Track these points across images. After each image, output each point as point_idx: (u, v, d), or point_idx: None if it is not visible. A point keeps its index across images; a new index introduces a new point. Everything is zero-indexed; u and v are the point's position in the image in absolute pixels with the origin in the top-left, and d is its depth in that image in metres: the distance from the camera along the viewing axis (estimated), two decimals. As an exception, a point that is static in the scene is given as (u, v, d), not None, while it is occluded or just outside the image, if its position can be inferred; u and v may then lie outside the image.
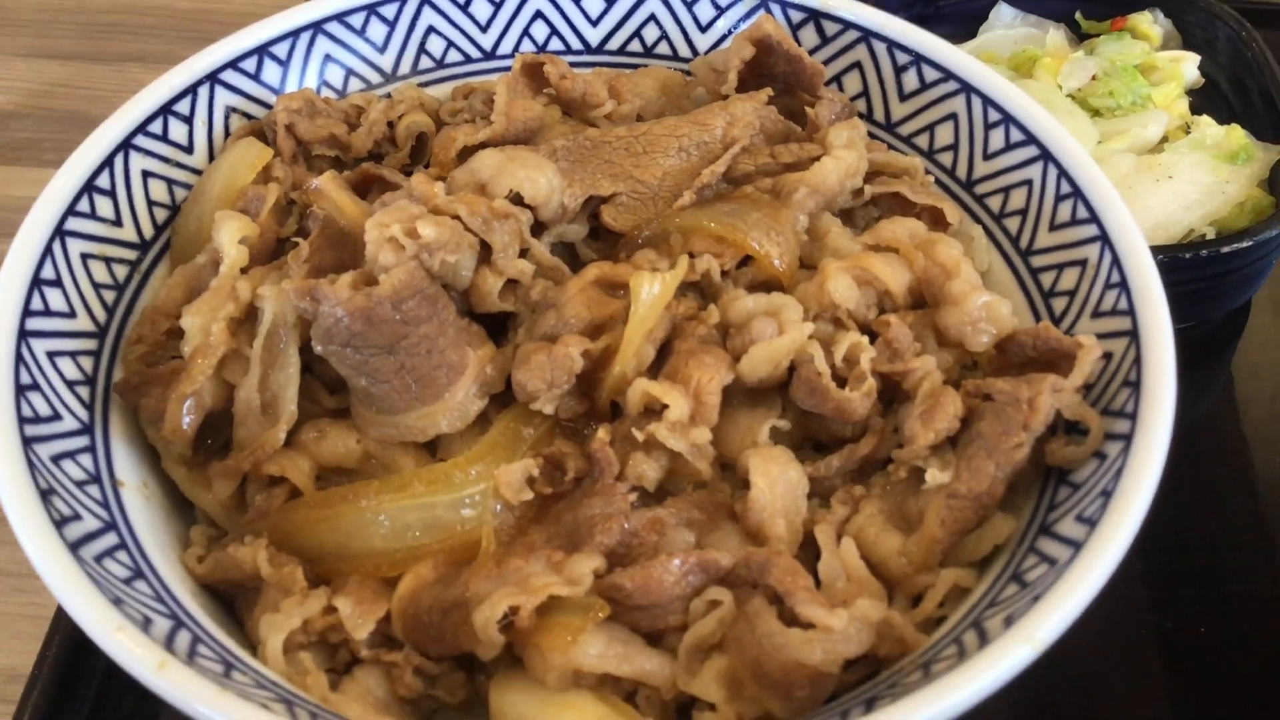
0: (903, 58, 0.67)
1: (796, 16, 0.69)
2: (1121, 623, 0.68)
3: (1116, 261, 0.56)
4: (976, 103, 0.64)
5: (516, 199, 0.54)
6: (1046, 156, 0.61)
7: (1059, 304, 0.59)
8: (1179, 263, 0.79)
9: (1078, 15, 1.00)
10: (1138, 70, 0.94)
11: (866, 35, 0.68)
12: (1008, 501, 0.52)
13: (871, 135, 0.68)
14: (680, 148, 0.60)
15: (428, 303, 0.50)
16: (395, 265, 0.50)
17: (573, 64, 0.71)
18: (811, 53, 0.69)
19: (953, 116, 0.66)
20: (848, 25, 0.68)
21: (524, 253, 0.54)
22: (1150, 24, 0.98)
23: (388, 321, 0.49)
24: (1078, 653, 0.62)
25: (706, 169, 0.58)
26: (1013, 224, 0.63)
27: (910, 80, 0.67)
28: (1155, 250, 0.79)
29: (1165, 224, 0.85)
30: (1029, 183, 0.62)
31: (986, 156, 0.64)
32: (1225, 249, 0.79)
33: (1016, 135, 0.63)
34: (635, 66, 0.72)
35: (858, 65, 0.69)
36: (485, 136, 0.61)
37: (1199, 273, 0.81)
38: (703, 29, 0.71)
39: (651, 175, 0.59)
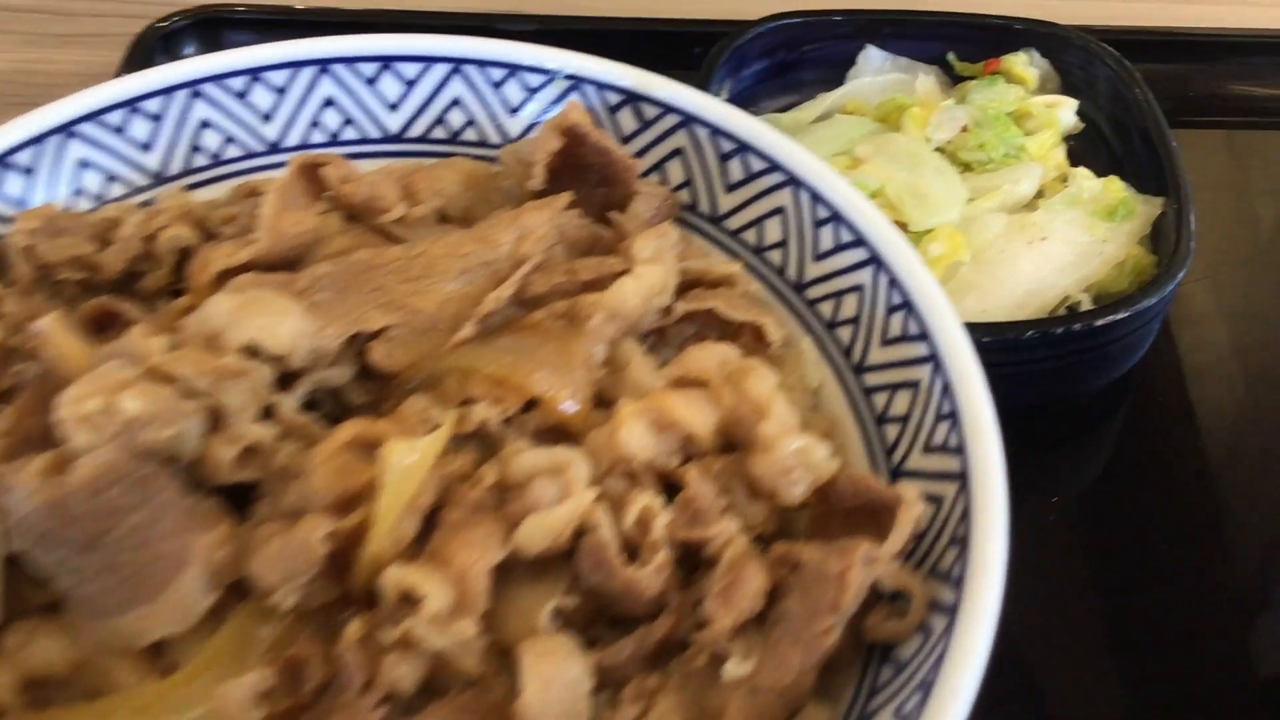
0: (726, 145, 0.60)
1: (613, 99, 0.63)
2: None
3: (948, 389, 0.50)
4: (804, 197, 0.58)
5: (260, 349, 0.47)
6: (877, 261, 0.55)
7: (891, 431, 0.53)
8: (1050, 338, 0.74)
9: (950, 56, 0.94)
10: (1011, 118, 0.88)
11: (687, 120, 0.61)
12: (825, 683, 0.45)
13: (698, 230, 0.62)
14: (463, 269, 0.53)
15: (137, 488, 0.43)
16: (94, 447, 0.43)
17: (371, 155, 0.65)
18: (631, 138, 0.63)
19: (781, 211, 0.59)
20: (667, 109, 0.62)
21: (269, 411, 0.47)
22: (1026, 66, 0.92)
23: (85, 515, 0.42)
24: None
25: (491, 294, 0.51)
26: (845, 334, 0.56)
27: (735, 170, 0.60)
28: (1024, 326, 0.75)
29: (1038, 290, 0.80)
30: (860, 289, 0.56)
31: (817, 257, 0.58)
32: (1100, 321, 0.74)
33: (846, 235, 0.56)
34: (442, 155, 0.65)
35: (680, 152, 0.62)
36: (247, 257, 0.54)
37: (1073, 347, 0.75)
38: (513, 112, 0.65)
39: (430, 303, 0.52)
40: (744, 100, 0.94)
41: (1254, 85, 1.03)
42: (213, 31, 0.96)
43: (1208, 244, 0.90)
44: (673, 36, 1.02)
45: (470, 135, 0.65)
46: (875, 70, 0.95)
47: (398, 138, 0.65)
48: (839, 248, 0.57)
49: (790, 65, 0.95)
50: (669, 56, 0.94)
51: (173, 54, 0.95)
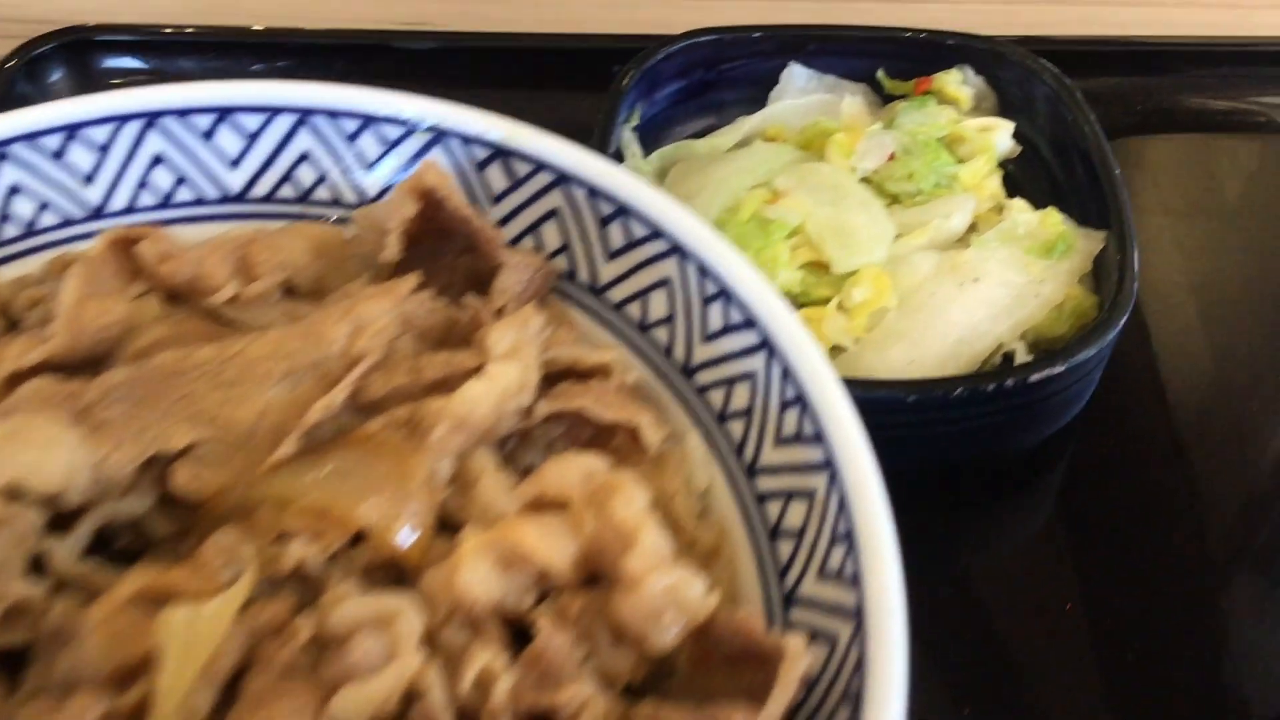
0: (605, 207, 0.53)
1: (480, 154, 0.55)
2: None
3: (844, 505, 0.43)
4: (690, 269, 0.51)
5: (25, 490, 0.40)
6: (769, 347, 0.48)
7: (785, 548, 0.46)
8: (981, 395, 0.67)
9: (880, 74, 0.87)
10: (943, 144, 0.82)
11: (562, 178, 0.54)
12: None
13: (577, 302, 0.55)
14: (287, 371, 0.45)
15: None
16: None
17: (210, 218, 0.57)
18: (502, 196, 0.56)
19: (666, 283, 0.52)
20: (539, 165, 0.54)
21: (40, 562, 0.40)
22: (959, 85, 0.85)
23: None
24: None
25: (319, 401, 0.44)
26: (736, 429, 0.50)
27: (616, 235, 0.54)
28: (953, 383, 0.69)
29: (970, 339, 0.73)
30: (752, 377, 0.49)
31: (706, 337, 0.51)
32: (1035, 377, 0.67)
33: (735, 314, 0.50)
34: (292, 216, 0.57)
35: (556, 214, 0.55)
36: (40, 357, 0.46)
37: (1006, 403, 0.69)
38: (369, 167, 0.57)
39: (247, 413, 0.44)
40: (659, 124, 0.87)
41: (1218, 98, 0.97)
42: (80, 56, 0.88)
43: (1160, 272, 0.85)
44: (586, 54, 0.95)
45: (323, 194, 0.57)
46: (799, 89, 0.88)
47: (240, 197, 0.57)
48: (729, 328, 0.50)
49: (709, 84, 0.88)
50: (583, 76, 0.88)
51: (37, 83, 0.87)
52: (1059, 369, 0.67)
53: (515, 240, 0.56)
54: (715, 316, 0.50)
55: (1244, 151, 0.93)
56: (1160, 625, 0.68)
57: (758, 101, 0.88)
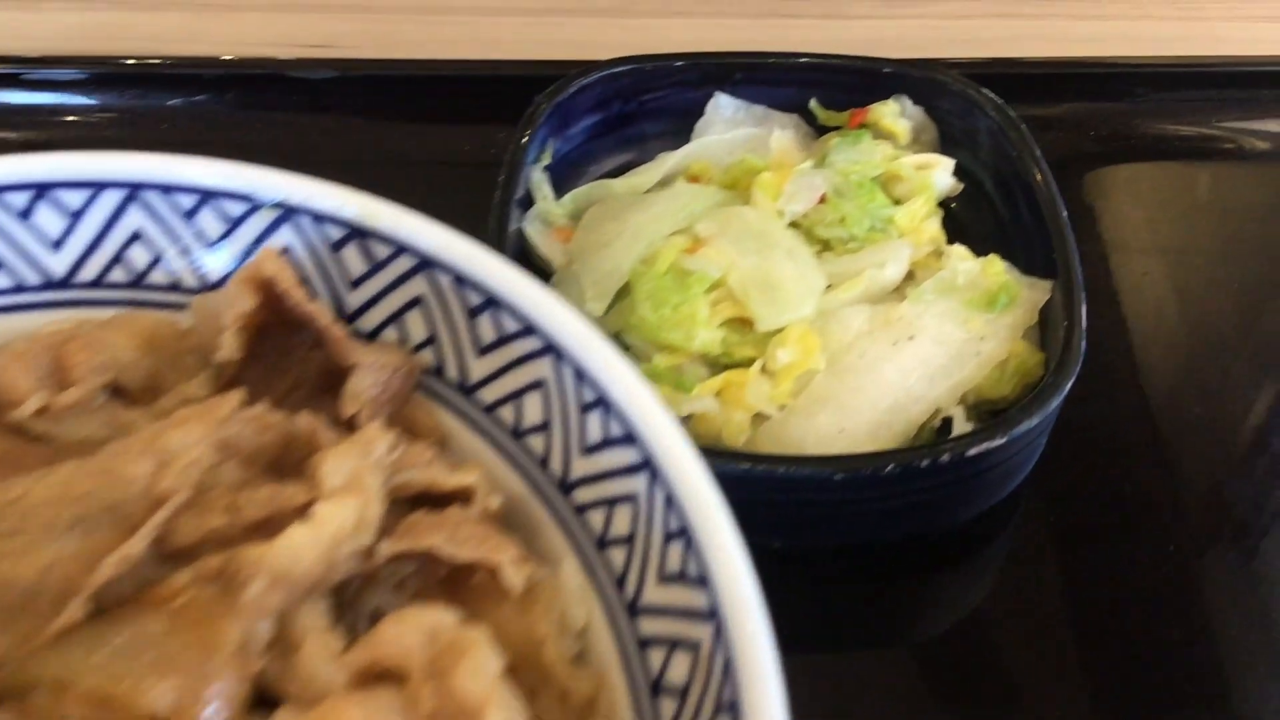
0: (473, 296, 0.47)
1: (335, 234, 0.49)
2: None
3: (729, 668, 0.37)
4: (567, 371, 0.45)
5: None
6: (651, 467, 0.42)
7: (667, 708, 0.40)
8: (914, 471, 0.61)
9: (813, 104, 0.81)
10: (878, 184, 0.75)
11: (425, 262, 0.47)
12: None
13: (445, 401, 0.49)
14: (78, 518, 0.39)
15: None
16: None
17: (32, 306, 0.50)
18: (360, 281, 0.49)
19: (541, 385, 0.46)
20: (399, 248, 0.48)
21: None
22: (896, 117, 0.79)
23: None
24: None
25: (113, 555, 0.38)
26: (617, 558, 0.43)
27: (486, 328, 0.47)
28: (882, 459, 0.63)
29: (905, 404, 0.67)
30: (634, 500, 0.43)
31: (585, 450, 0.45)
32: (972, 451, 0.61)
33: (616, 427, 0.43)
34: (126, 303, 0.51)
35: (420, 302, 0.48)
36: None
37: (942, 479, 0.63)
38: (211, 246, 0.50)
39: (28, 570, 0.38)
40: (575, 160, 0.81)
41: (1182, 123, 0.91)
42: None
43: (1117, 315, 0.79)
44: (502, 82, 0.88)
45: (159, 278, 0.51)
46: (727, 121, 0.81)
47: (65, 283, 0.50)
48: (608, 442, 0.44)
49: (629, 117, 0.82)
50: (499, 106, 0.81)
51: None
52: (998, 441, 0.61)
53: (377, 330, 0.49)
54: (594, 427, 0.44)
55: (1210, 182, 0.87)
56: (1108, 714, 0.63)
57: (682, 134, 0.81)
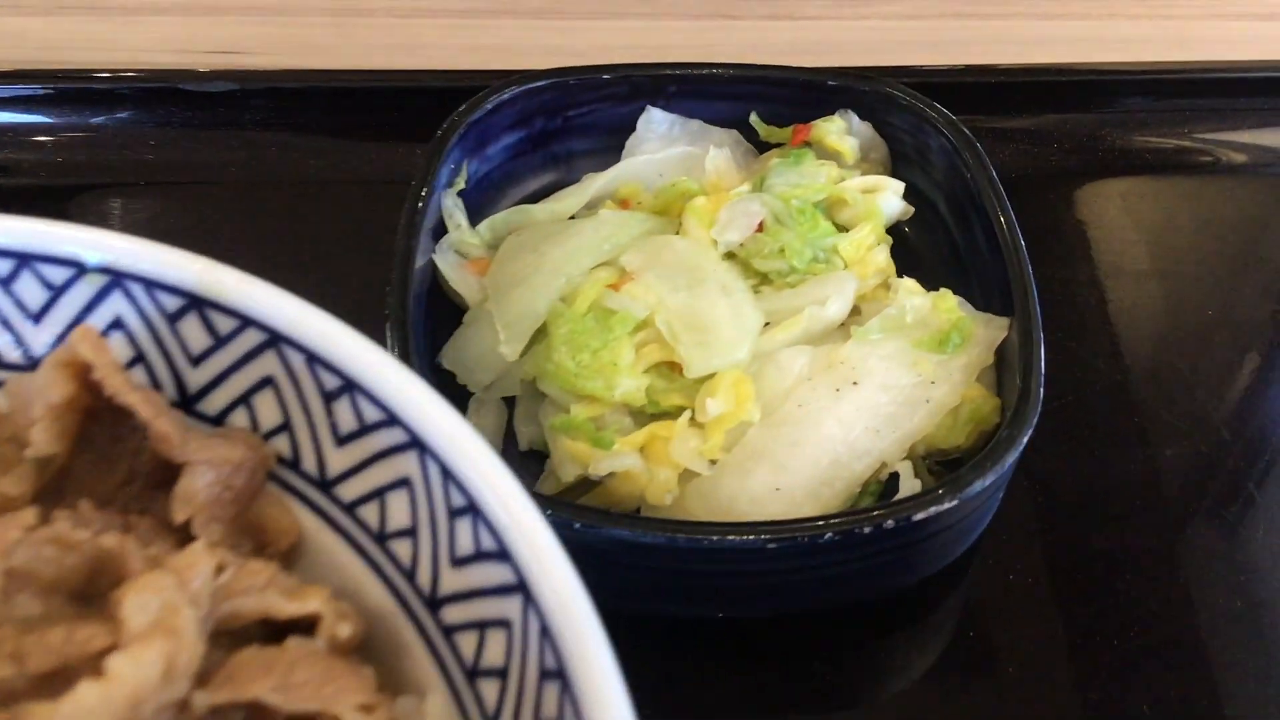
0: (329, 379, 0.40)
1: (171, 304, 0.42)
2: None
3: None
4: (433, 469, 0.38)
5: None
6: (525, 591, 0.36)
7: None
8: (855, 539, 0.55)
9: (753, 118, 0.74)
10: (821, 210, 0.69)
11: (275, 338, 0.41)
12: None
13: (301, 497, 0.42)
14: None
15: None
16: None
17: None
18: (201, 359, 0.43)
19: (407, 483, 0.40)
20: (244, 321, 0.41)
21: None
22: (841, 134, 0.72)
23: None
24: None
25: None
26: (490, 693, 0.37)
27: (345, 416, 0.41)
28: (819, 525, 0.56)
29: (847, 459, 0.61)
30: (508, 626, 0.37)
31: (455, 562, 0.38)
32: (919, 515, 0.55)
33: (488, 539, 0.37)
34: (-63, 381, 0.44)
35: (271, 382, 0.42)
36: None
37: (886, 544, 0.57)
38: (34, 319, 0.44)
39: None
40: (497, 182, 0.74)
41: (1156, 135, 0.84)
42: None
43: (1083, 347, 0.73)
44: (419, 94, 0.81)
45: (-28, 354, 0.44)
46: (660, 138, 0.75)
47: None
48: (481, 555, 0.37)
49: (553, 134, 0.75)
50: (423, 120, 0.73)
51: None
52: (948, 505, 0.55)
53: (224, 413, 0.43)
54: (464, 536, 0.38)
55: (1185, 198, 0.81)
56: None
57: (613, 150, 0.75)
